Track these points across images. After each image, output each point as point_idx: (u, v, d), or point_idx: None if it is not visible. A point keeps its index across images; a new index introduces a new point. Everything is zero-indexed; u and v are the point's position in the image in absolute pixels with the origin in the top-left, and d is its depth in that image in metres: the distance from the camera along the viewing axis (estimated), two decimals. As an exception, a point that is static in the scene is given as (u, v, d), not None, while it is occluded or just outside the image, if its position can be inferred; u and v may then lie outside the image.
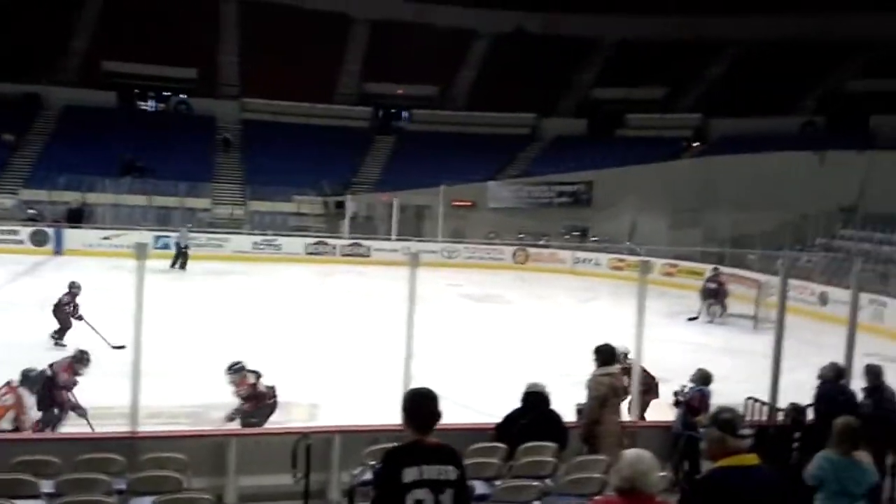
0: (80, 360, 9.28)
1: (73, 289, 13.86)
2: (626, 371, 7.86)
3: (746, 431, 3.86)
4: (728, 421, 3.87)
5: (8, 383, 8.02)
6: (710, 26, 41.35)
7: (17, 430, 7.76)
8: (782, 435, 7.14)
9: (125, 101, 40.43)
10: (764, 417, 7.82)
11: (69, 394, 9.03)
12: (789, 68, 36.76)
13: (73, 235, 27.17)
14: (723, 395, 7.82)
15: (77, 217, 28.66)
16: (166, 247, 24.22)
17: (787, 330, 8.01)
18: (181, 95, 40.95)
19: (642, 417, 8.12)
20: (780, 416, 7.54)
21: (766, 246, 25.28)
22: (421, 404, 3.71)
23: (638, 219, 28.53)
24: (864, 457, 4.93)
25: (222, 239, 28.96)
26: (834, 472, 3.74)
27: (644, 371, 8.69)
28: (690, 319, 19.42)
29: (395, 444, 3.69)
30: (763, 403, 7.85)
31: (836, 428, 5.14)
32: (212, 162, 36.62)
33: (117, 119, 37.86)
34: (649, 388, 9.10)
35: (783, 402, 7.61)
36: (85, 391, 10.07)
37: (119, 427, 6.98)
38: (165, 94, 41.64)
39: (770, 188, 27.32)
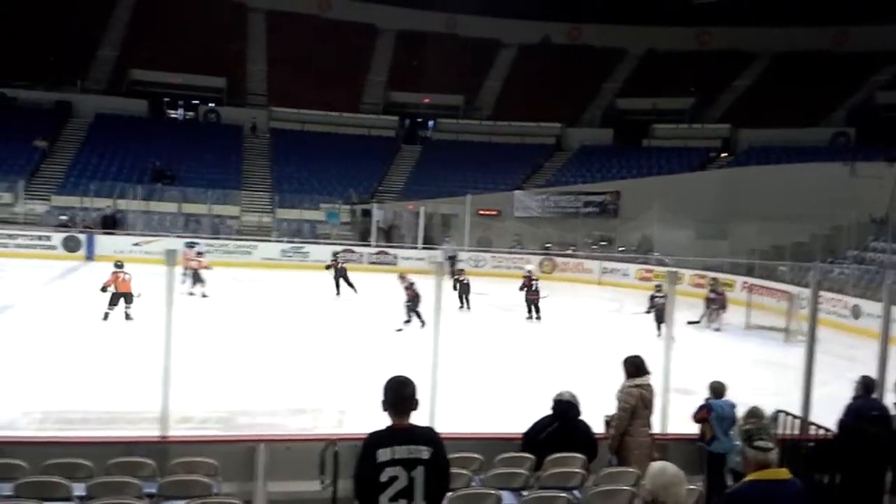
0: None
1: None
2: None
3: (764, 444, 3.79)
4: (745, 432, 3.87)
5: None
6: (739, 37, 41.15)
7: None
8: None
9: (155, 110, 40.93)
10: (796, 431, 7.71)
11: None
12: (820, 79, 36.42)
13: (104, 241, 27.54)
14: (753, 408, 7.72)
15: (111, 223, 29.05)
16: (198, 254, 24.46)
17: (819, 343, 7.89)
18: (210, 104, 41.38)
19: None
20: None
21: (797, 258, 24.98)
22: (396, 390, 3.99)
23: (664, 229, 28.31)
24: None
25: (250, 246, 29.19)
26: None
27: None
28: (690, 323, 19.23)
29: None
30: (794, 417, 7.74)
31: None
32: (240, 170, 36.96)
33: (148, 127, 38.37)
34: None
35: (815, 416, 7.50)
36: (116, 396, 10.24)
37: (150, 431, 7.04)
38: (194, 102, 42.10)
39: (800, 200, 26.97)
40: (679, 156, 37.48)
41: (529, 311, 19.86)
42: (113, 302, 15.66)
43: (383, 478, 3.83)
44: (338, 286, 21.93)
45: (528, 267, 22.41)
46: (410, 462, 3.86)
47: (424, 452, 3.90)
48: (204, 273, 20.46)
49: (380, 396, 4.03)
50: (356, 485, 4.00)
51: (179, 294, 18.54)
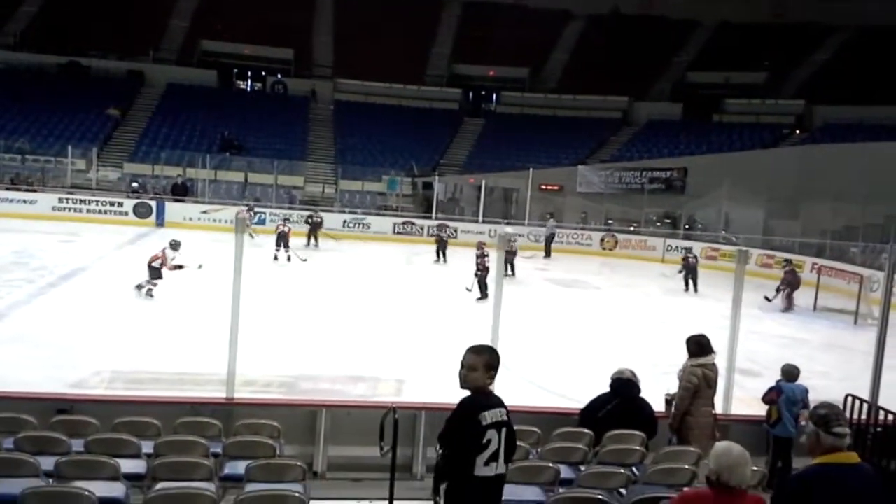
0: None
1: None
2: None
3: (842, 430, 3.71)
4: (822, 417, 3.78)
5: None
6: (815, 10, 39.63)
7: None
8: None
9: (224, 80, 41.65)
10: (864, 416, 7.50)
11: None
12: (898, 54, 34.84)
13: (174, 209, 28.24)
14: (821, 391, 7.55)
15: (181, 191, 29.78)
16: (262, 222, 24.94)
17: (891, 327, 7.63)
18: (277, 76, 41.88)
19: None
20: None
21: (871, 239, 24.07)
22: (497, 361, 4.11)
23: (733, 208, 27.60)
24: None
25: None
26: None
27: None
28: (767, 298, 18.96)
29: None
30: (864, 402, 7.52)
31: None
32: (306, 141, 37.43)
33: (217, 97, 39.13)
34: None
35: (884, 401, 7.27)
36: (183, 358, 10.56)
37: (216, 393, 7.25)
38: (262, 73, 42.68)
39: (876, 179, 25.92)
40: (751, 132, 36.47)
41: (505, 270, 20.33)
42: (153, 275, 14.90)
43: (484, 440, 3.91)
44: (309, 239, 24.61)
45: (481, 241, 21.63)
46: (500, 424, 3.97)
47: (505, 415, 4.02)
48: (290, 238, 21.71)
49: (438, 366, 4.05)
50: (456, 450, 3.99)
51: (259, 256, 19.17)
